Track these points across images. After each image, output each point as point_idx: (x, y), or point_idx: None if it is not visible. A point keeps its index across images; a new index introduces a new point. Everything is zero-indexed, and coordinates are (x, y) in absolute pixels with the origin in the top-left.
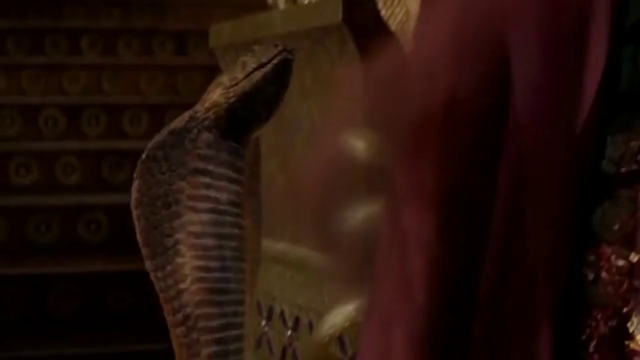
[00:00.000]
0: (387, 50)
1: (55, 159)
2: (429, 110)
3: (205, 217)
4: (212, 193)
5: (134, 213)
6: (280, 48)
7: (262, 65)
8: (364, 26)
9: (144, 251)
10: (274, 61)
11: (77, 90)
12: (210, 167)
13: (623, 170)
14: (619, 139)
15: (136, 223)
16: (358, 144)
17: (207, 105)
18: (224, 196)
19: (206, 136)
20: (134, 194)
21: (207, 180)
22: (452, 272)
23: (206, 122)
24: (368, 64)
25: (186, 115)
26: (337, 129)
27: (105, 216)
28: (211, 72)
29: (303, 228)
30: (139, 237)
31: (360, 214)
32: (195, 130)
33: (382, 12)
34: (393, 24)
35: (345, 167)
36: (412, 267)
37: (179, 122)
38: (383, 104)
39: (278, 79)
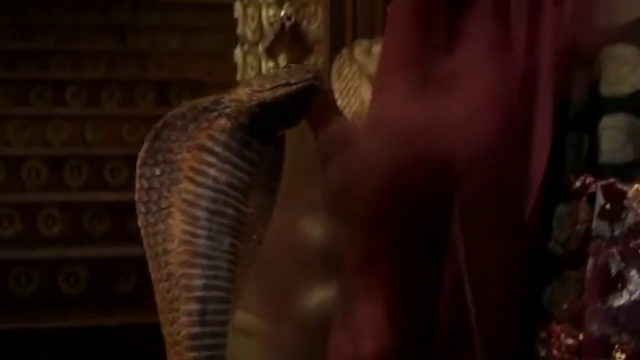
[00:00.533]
0: (340, 139)
1: (37, 210)
2: (379, 202)
3: (200, 190)
4: (212, 171)
5: (137, 171)
6: (310, 75)
7: (288, 84)
8: (320, 114)
9: (139, 207)
10: (300, 85)
11: (60, 140)
12: (218, 150)
13: (570, 252)
14: (565, 221)
15: (137, 181)
16: (314, 229)
17: (232, 96)
18: (223, 177)
19: (223, 121)
20: (142, 154)
21: (211, 159)
22: (402, 357)
23: (227, 110)
24: (322, 150)
25: (211, 98)
26: (295, 213)
27: (84, 269)
28: None
29: (264, 304)
30: (136, 194)
31: (316, 297)
32: (215, 113)
33: (339, 102)
34: (349, 114)
35: (301, 252)
36: (363, 353)
37: (203, 101)
38: (337, 191)
39: (298, 101)
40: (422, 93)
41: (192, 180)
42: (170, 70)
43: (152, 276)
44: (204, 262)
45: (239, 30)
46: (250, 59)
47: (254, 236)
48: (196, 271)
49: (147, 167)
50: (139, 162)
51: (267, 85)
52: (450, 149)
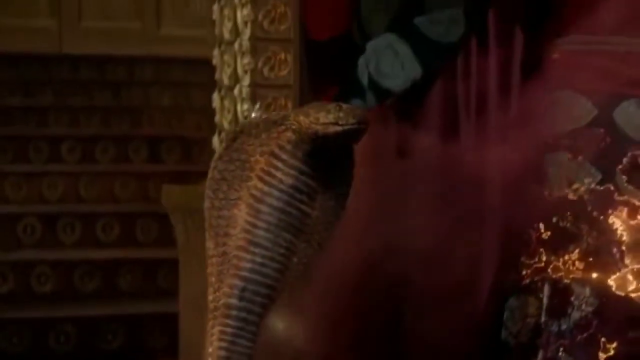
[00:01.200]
0: None
1: (31, 268)
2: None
3: (267, 188)
4: (279, 174)
5: (213, 164)
6: (357, 119)
7: (338, 124)
8: None
9: (207, 192)
10: (346, 127)
11: (55, 197)
12: (285, 157)
13: (521, 343)
14: (517, 314)
15: (210, 171)
16: (279, 324)
17: (298, 118)
18: (289, 181)
19: (289, 134)
20: (220, 151)
21: (279, 164)
22: None
23: (292, 126)
24: None
25: (282, 113)
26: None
27: (74, 327)
28: (183, 177)
29: None
30: (208, 182)
31: None
32: (283, 127)
33: None
34: None
35: (268, 349)
36: None
37: (275, 115)
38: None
39: (342, 141)
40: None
41: (261, 180)
42: (162, 127)
43: (208, 249)
44: (257, 250)
45: (216, 75)
46: (227, 103)
47: (316, 237)
48: (248, 256)
49: (223, 162)
50: (216, 156)
51: (322, 120)
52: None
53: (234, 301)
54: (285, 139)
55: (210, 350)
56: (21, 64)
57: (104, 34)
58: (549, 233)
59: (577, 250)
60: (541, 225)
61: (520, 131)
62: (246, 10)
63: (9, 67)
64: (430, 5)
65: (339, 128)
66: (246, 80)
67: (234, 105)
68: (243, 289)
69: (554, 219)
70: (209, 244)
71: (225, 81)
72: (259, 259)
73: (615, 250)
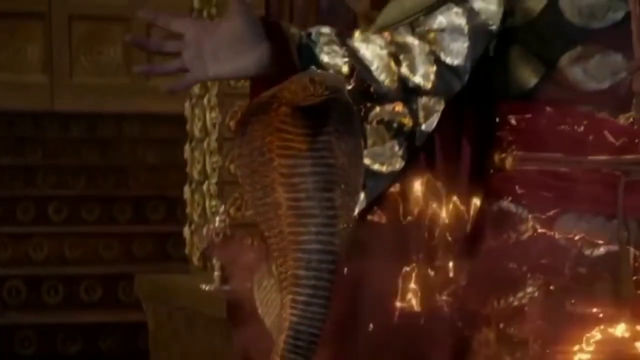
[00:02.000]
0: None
1: (14, 332)
2: None
3: (290, 161)
4: (294, 144)
5: (236, 163)
6: (330, 90)
7: (314, 95)
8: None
9: (245, 187)
10: (322, 98)
11: (41, 258)
12: (290, 128)
13: None
14: None
15: (238, 172)
16: None
17: (283, 94)
18: (303, 146)
19: (284, 109)
20: (235, 151)
21: (289, 136)
22: None
23: (283, 100)
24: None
25: (268, 93)
26: None
27: None
28: (165, 239)
29: None
30: (241, 181)
31: None
32: (276, 104)
33: (259, 310)
34: (267, 323)
35: None
36: None
37: (263, 96)
38: None
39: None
40: None
41: (281, 156)
42: (147, 185)
43: (265, 235)
44: (307, 220)
45: (187, 127)
46: (197, 154)
47: (352, 183)
48: (302, 229)
49: (242, 157)
50: (235, 157)
51: (300, 95)
52: None
53: (300, 272)
54: (282, 113)
55: (284, 316)
56: (13, 122)
57: (94, 90)
58: None
59: None
60: None
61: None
62: None
63: (1, 124)
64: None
65: (316, 99)
66: (214, 134)
67: (203, 157)
68: (308, 261)
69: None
70: (263, 229)
71: (196, 133)
72: (312, 229)
73: None
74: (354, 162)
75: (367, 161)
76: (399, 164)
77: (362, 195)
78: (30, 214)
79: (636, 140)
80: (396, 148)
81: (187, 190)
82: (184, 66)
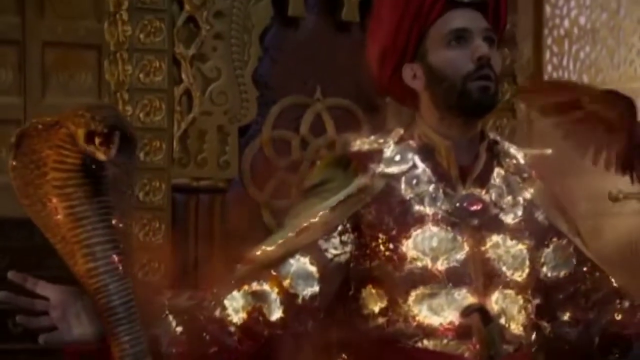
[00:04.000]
0: None
1: None
2: None
3: (64, 175)
4: (70, 160)
5: (11, 175)
6: (107, 124)
7: (90, 125)
8: None
9: (25, 202)
10: (98, 127)
11: None
12: (68, 146)
13: None
14: None
15: (13, 182)
16: None
17: (66, 123)
18: (78, 160)
19: (64, 130)
20: (11, 161)
21: (66, 152)
22: None
23: (66, 123)
24: None
25: (55, 118)
26: None
27: None
28: None
29: None
30: (18, 194)
31: None
32: (57, 127)
33: None
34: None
35: None
36: None
37: (47, 120)
38: None
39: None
40: None
41: (56, 170)
42: None
43: (52, 241)
44: (83, 222)
45: None
46: None
47: (123, 184)
48: (79, 230)
49: (18, 168)
50: (10, 165)
51: (76, 122)
52: None
53: (91, 265)
54: (63, 134)
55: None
56: None
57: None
58: None
59: None
60: None
61: None
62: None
63: None
64: None
65: (97, 134)
66: None
67: None
68: (93, 253)
69: None
70: (49, 236)
71: None
72: (89, 227)
73: None
74: (124, 169)
75: None
76: None
77: None
78: None
79: None
80: None
81: None
82: (52, 324)
